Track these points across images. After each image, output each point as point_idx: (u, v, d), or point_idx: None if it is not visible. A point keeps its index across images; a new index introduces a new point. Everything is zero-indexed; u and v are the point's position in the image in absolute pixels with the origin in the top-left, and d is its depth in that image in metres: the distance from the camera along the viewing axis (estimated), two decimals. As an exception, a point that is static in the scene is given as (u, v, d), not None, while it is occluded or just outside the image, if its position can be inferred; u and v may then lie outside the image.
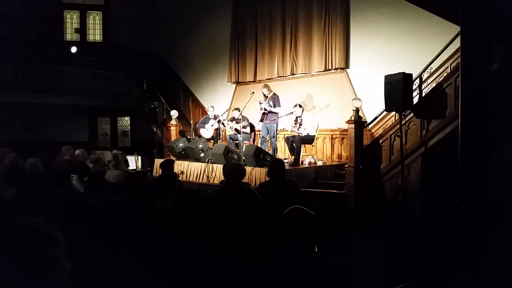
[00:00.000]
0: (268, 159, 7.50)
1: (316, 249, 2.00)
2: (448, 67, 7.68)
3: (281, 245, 2.02)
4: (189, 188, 7.13)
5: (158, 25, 13.72)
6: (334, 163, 8.84)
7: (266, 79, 10.60)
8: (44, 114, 12.65)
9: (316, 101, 9.79)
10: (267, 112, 8.79)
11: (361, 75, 9.12)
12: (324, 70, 9.65)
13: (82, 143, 11.12)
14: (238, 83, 11.66)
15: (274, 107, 8.71)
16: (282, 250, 2.02)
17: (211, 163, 8.37)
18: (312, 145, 9.01)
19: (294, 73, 10.27)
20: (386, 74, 6.77)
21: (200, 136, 10.04)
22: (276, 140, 8.94)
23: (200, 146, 8.88)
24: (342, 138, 8.97)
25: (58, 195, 4.00)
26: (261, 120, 8.96)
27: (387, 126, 7.90)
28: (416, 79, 7.11)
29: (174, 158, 9.05)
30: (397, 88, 6.47)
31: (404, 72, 6.50)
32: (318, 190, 7.17)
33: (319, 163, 8.45)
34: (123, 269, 2.50)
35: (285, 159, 8.33)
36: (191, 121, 10.82)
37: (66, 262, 1.34)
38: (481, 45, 3.65)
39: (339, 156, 9.09)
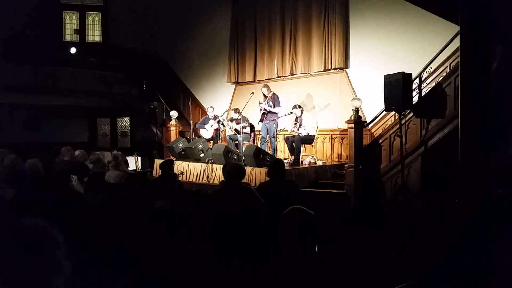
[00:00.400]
0: (268, 159, 7.50)
1: (316, 249, 2.00)
2: (447, 66, 7.69)
3: (281, 245, 2.02)
4: (189, 189, 7.13)
5: (158, 25, 13.71)
6: (334, 163, 8.83)
7: (266, 79, 10.60)
8: (43, 115, 12.64)
9: (315, 101, 9.79)
10: (266, 112, 8.78)
11: (360, 75, 9.12)
12: (324, 70, 9.65)
13: (81, 144, 11.10)
14: (237, 83, 11.66)
15: (274, 107, 8.71)
16: (282, 250, 2.02)
17: (211, 163, 8.37)
18: (312, 145, 9.01)
19: (294, 73, 10.27)
20: (385, 74, 6.76)
21: (199, 136, 10.03)
22: (276, 140, 8.94)
23: (200, 146, 8.88)
24: (342, 138, 8.96)
25: (58, 196, 3.99)
26: (261, 120, 8.96)
27: (386, 126, 7.90)
28: (415, 78, 7.11)
29: (174, 159, 9.05)
30: (397, 87, 6.47)
31: (403, 72, 6.50)
32: (318, 190, 7.17)
33: (319, 163, 8.45)
34: (123, 269, 2.50)
35: (285, 159, 8.33)
36: (191, 122, 10.82)
37: (66, 263, 1.34)
38: (480, 44, 3.65)
39: (339, 156, 9.09)
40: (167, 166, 6.05)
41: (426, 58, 7.43)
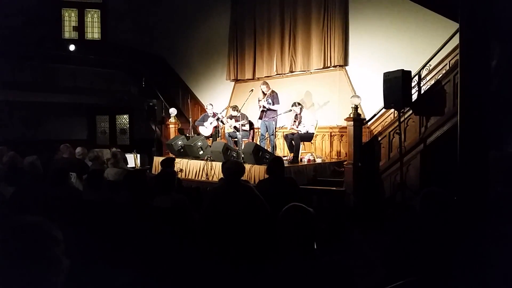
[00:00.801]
0: (267, 156, 7.50)
1: (315, 247, 2.00)
2: (447, 64, 7.68)
3: (280, 243, 2.02)
4: (188, 186, 7.13)
5: (157, 23, 13.69)
6: (333, 160, 8.84)
7: (265, 76, 10.59)
8: (42, 112, 12.61)
9: (315, 98, 9.79)
10: (266, 109, 8.78)
11: (360, 72, 9.12)
12: (323, 68, 9.64)
13: (80, 141, 11.08)
14: (236, 80, 11.65)
15: (273, 104, 8.71)
16: (281, 248, 2.02)
17: (210, 160, 8.37)
18: (311, 143, 9.02)
19: (293, 70, 10.26)
20: (385, 71, 6.76)
21: (199, 134, 10.03)
22: (275, 138, 8.94)
23: (199, 144, 8.88)
24: (341, 136, 8.96)
25: (57, 193, 3.99)
26: (260, 118, 8.95)
27: (386, 123, 7.90)
28: (415, 76, 7.12)
29: (174, 156, 9.04)
30: (396, 85, 6.46)
31: (403, 69, 6.50)
32: (317, 187, 7.17)
33: (318, 160, 8.45)
34: (122, 267, 2.50)
35: (284, 156, 8.34)
36: (190, 119, 10.81)
37: (65, 260, 1.34)
38: (480, 42, 3.65)
39: (338, 154, 9.10)
40: (168, 164, 6.05)
41: (426, 56, 7.43)
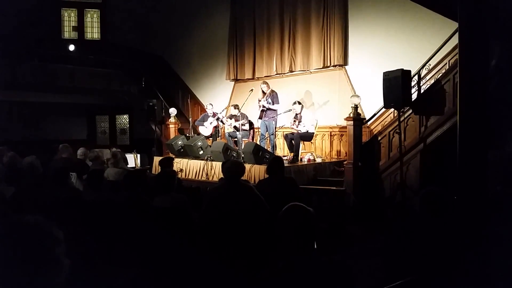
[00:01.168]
0: (267, 156, 7.51)
1: (315, 246, 2.00)
2: (446, 63, 7.68)
3: (280, 242, 2.02)
4: (188, 186, 7.13)
5: (156, 22, 13.68)
6: (333, 160, 8.84)
7: (265, 76, 10.58)
8: (42, 113, 12.63)
9: (314, 98, 9.79)
10: (265, 109, 8.78)
11: (359, 72, 9.12)
12: (323, 67, 9.64)
13: (80, 141, 11.12)
14: (236, 80, 11.64)
15: (273, 104, 8.71)
16: (281, 248, 2.02)
17: (210, 160, 8.37)
18: (311, 142, 9.02)
19: (293, 70, 10.26)
20: (384, 71, 6.76)
21: (199, 133, 10.03)
22: (275, 137, 8.94)
23: (199, 143, 8.88)
24: (341, 135, 8.96)
25: (57, 193, 3.99)
26: (260, 118, 8.95)
27: (385, 123, 7.90)
28: (414, 75, 7.11)
29: (173, 156, 9.04)
30: (396, 84, 6.46)
31: (402, 69, 6.50)
32: (317, 187, 7.18)
33: (318, 160, 8.46)
34: (122, 267, 2.51)
35: (284, 156, 8.34)
36: (190, 119, 10.81)
37: (66, 260, 1.34)
38: (479, 41, 3.65)
39: (338, 153, 9.09)
40: (167, 163, 6.05)
41: (425, 55, 7.42)
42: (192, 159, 8.92)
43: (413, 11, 8.11)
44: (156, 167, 9.11)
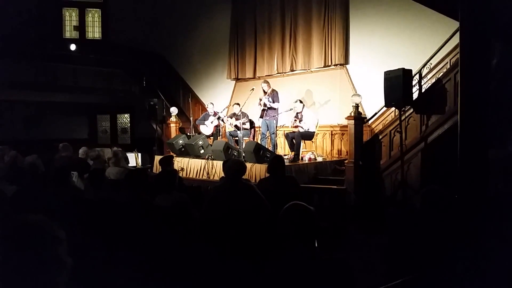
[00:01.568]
0: (268, 155, 7.50)
1: (316, 245, 2.00)
2: (447, 62, 7.68)
3: (281, 241, 2.03)
4: (189, 185, 7.13)
5: (157, 22, 13.68)
6: (334, 159, 8.84)
7: (266, 75, 10.59)
8: (43, 112, 12.64)
9: (315, 97, 9.79)
10: (266, 108, 8.78)
11: (360, 71, 9.12)
12: (324, 66, 9.64)
13: (82, 141, 11.13)
14: (237, 79, 11.65)
15: (273, 103, 8.72)
16: (282, 246, 2.03)
17: (211, 159, 8.38)
18: (312, 141, 9.02)
19: (294, 69, 10.26)
20: (385, 70, 6.75)
21: (200, 132, 10.04)
22: (276, 137, 8.94)
23: (200, 142, 8.89)
24: (342, 134, 8.96)
25: (59, 192, 4.00)
26: (261, 117, 8.96)
27: (386, 122, 7.90)
28: (415, 74, 7.10)
29: (174, 155, 9.05)
30: (397, 83, 6.46)
31: (403, 68, 6.49)
32: (318, 186, 7.17)
33: (319, 159, 8.46)
34: (124, 266, 2.51)
35: (285, 155, 8.34)
36: (191, 118, 10.81)
37: (67, 259, 1.35)
38: (480, 40, 3.65)
39: (339, 152, 9.09)
40: (167, 162, 6.06)
41: (426, 54, 7.41)
42: (193, 158, 8.93)
43: (414, 10, 8.10)
44: (157, 166, 9.11)
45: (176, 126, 10.97)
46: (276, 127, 8.85)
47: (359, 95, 7.54)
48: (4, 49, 10.24)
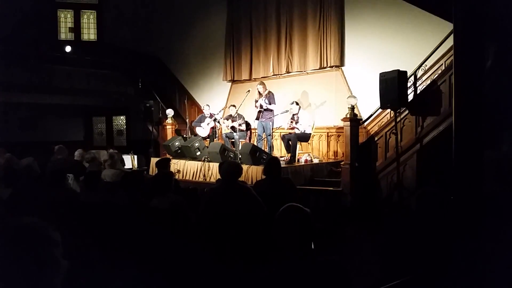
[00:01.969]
0: (264, 157, 7.51)
1: (312, 246, 2.01)
2: (442, 64, 7.71)
3: (277, 243, 2.03)
4: (186, 187, 7.12)
5: (153, 23, 13.67)
6: (330, 160, 8.86)
7: (262, 77, 10.59)
8: (39, 114, 12.60)
9: (311, 99, 9.80)
10: (263, 110, 8.79)
11: (356, 72, 9.14)
12: (319, 68, 9.66)
13: (77, 143, 11.11)
14: (233, 81, 11.65)
15: (270, 104, 8.73)
16: (278, 248, 2.03)
17: (207, 161, 8.37)
18: (308, 143, 9.03)
19: (290, 71, 10.27)
20: (381, 72, 6.78)
21: (196, 134, 10.03)
22: (272, 138, 8.95)
23: (196, 144, 8.88)
24: (338, 136, 8.98)
25: (54, 194, 3.99)
26: (257, 118, 8.97)
27: (382, 124, 7.93)
28: (410, 76, 7.14)
29: (170, 157, 9.04)
30: (392, 85, 6.49)
31: (399, 70, 6.52)
32: (314, 187, 7.19)
33: (315, 160, 8.47)
34: (120, 268, 2.51)
35: (281, 157, 8.35)
36: (187, 120, 10.81)
37: (63, 262, 1.34)
38: (474, 42, 3.67)
39: (335, 154, 9.11)
40: (163, 165, 6.04)
41: (421, 56, 7.45)
42: (189, 160, 8.92)
43: (409, 12, 8.14)
44: (153, 168, 9.10)
45: (172, 128, 10.96)
46: (272, 129, 8.86)
47: (354, 97, 7.57)
48: (-1, 51, 10.21)
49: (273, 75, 10.60)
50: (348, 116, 7.27)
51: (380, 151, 7.18)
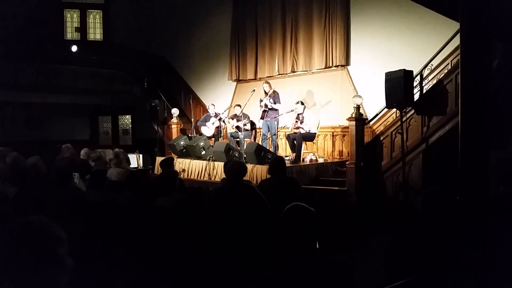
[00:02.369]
0: (269, 156, 7.51)
1: (317, 246, 2.01)
2: (448, 63, 7.66)
3: (282, 242, 2.03)
4: (191, 186, 7.14)
5: (159, 23, 13.71)
6: (335, 160, 8.84)
7: (267, 76, 10.58)
8: (45, 113, 12.67)
9: (316, 98, 9.79)
10: (267, 109, 8.79)
11: (361, 72, 9.11)
12: (325, 68, 9.64)
13: (83, 142, 11.15)
14: (238, 81, 11.66)
15: (275, 103, 8.73)
16: (283, 248, 2.03)
17: (212, 161, 8.38)
18: (313, 142, 9.01)
19: (295, 70, 10.26)
20: (386, 71, 6.76)
21: (201, 134, 10.05)
22: (277, 138, 8.94)
23: (201, 144, 8.89)
24: (343, 135, 8.96)
25: (60, 193, 4.01)
26: (262, 118, 8.96)
27: (388, 123, 7.90)
28: (416, 76, 7.11)
29: (175, 156, 9.06)
30: (398, 85, 6.46)
31: (404, 69, 6.49)
32: (319, 187, 7.17)
33: (320, 160, 8.46)
34: (125, 267, 2.52)
35: (286, 156, 8.34)
36: (192, 119, 10.83)
37: (69, 260, 1.35)
38: (480, 42, 3.65)
39: (340, 153, 9.09)
40: (167, 164, 6.06)
41: (427, 55, 7.42)
42: (194, 159, 8.94)
43: (415, 11, 8.10)
44: (158, 168, 9.12)
45: (177, 127, 10.99)
46: (277, 128, 8.85)
47: (360, 96, 7.54)
48: (6, 50, 10.27)
49: (278, 75, 10.59)
50: (353, 115, 7.25)
51: (386, 151, 7.16)
